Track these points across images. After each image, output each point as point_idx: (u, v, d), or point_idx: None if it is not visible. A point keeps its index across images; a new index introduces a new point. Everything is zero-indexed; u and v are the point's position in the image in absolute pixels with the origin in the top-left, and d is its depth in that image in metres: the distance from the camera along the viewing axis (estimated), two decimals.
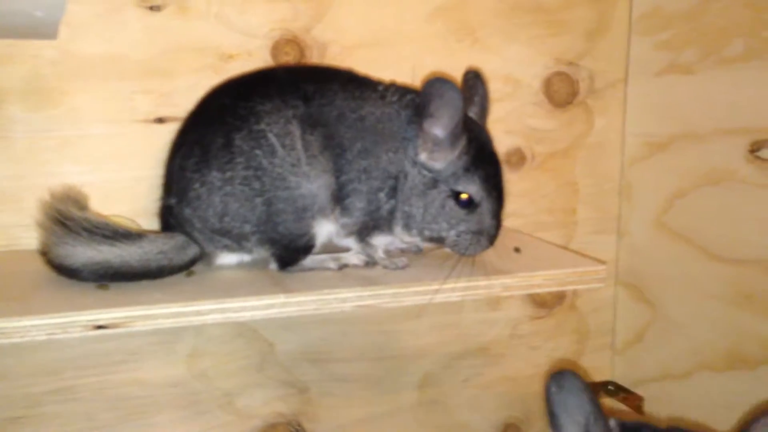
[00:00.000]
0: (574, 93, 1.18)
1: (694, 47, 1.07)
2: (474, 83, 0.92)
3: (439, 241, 0.87)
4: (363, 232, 0.88)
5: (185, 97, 0.94)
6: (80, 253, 0.78)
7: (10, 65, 0.91)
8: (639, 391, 1.23)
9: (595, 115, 1.20)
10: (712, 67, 1.05)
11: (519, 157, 1.17)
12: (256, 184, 0.83)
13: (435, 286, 0.82)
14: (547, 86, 1.17)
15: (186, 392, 1.02)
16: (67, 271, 0.78)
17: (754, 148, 0.99)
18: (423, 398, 1.18)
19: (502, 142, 1.12)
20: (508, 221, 1.01)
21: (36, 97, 0.92)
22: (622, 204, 1.24)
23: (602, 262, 0.92)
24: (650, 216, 1.18)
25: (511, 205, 0.98)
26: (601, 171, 1.22)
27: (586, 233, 1.23)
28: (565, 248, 1.10)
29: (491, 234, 0.86)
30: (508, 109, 1.15)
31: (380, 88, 0.90)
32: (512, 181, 1.14)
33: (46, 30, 0.82)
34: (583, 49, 1.17)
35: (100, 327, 0.70)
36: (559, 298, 1.24)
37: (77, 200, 0.84)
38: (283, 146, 0.83)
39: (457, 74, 0.96)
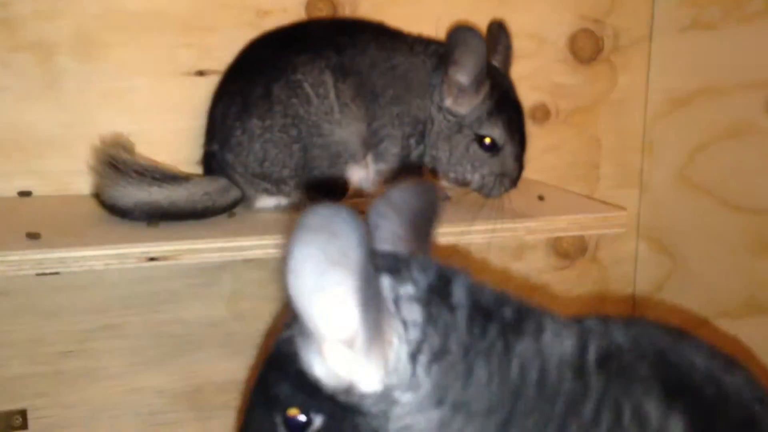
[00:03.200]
0: (599, 50, 1.20)
1: (716, 4, 1.09)
2: (498, 33, 0.96)
3: (464, 183, 0.91)
4: (396, 179, 0.92)
5: (224, 51, 0.97)
6: (131, 194, 0.82)
7: (57, 20, 0.94)
8: None
9: (618, 71, 1.22)
10: (733, 23, 1.07)
11: (544, 113, 1.20)
12: (293, 132, 0.87)
13: (462, 228, 0.86)
14: (572, 43, 1.19)
15: (225, 332, 1.07)
16: (120, 211, 0.83)
17: None
18: None
19: (527, 97, 1.13)
20: (533, 174, 1.05)
21: (82, 50, 0.96)
22: (645, 159, 1.26)
23: (623, 209, 0.95)
24: (672, 170, 1.20)
25: (535, 159, 1.01)
26: (624, 126, 1.24)
27: (608, 187, 1.25)
28: (588, 197, 1.13)
29: (513, 176, 0.90)
30: (533, 66, 1.17)
31: (408, 39, 0.94)
32: (537, 135, 1.16)
33: None
34: (608, 6, 1.19)
35: (152, 259, 0.74)
36: (582, 249, 1.26)
37: (126, 146, 0.89)
38: (317, 95, 0.87)
39: (483, 32, 0.98)
